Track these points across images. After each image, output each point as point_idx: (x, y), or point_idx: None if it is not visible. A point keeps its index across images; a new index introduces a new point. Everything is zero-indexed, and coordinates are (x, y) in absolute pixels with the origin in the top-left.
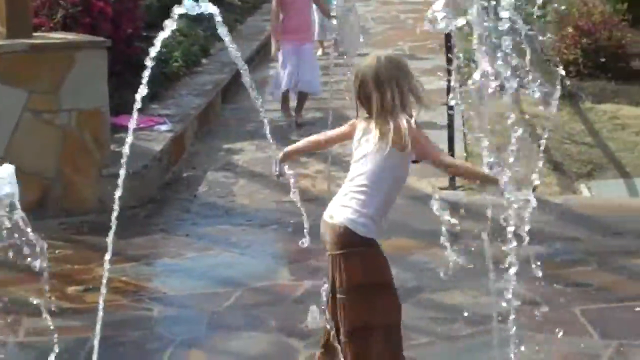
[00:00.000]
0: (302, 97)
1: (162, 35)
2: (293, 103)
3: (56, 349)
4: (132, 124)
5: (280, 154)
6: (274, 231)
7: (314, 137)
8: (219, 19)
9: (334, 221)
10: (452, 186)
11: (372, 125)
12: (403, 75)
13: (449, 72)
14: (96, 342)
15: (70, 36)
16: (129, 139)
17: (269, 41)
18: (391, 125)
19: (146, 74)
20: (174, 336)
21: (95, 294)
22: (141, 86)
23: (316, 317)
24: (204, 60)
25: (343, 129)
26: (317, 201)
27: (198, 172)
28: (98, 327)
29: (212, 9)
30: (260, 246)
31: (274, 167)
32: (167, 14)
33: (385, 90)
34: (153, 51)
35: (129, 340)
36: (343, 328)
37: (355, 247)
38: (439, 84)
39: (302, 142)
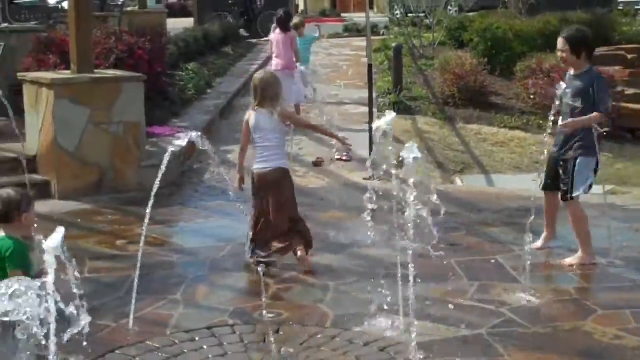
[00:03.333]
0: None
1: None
2: None
3: (108, 282)
4: (170, 133)
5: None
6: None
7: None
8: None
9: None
10: (372, 178)
11: (263, 110)
12: (277, 84)
13: (370, 102)
14: (136, 279)
15: (119, 72)
16: (169, 149)
17: (251, 78)
18: (277, 110)
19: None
20: (188, 275)
21: (135, 245)
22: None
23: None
24: (208, 91)
25: (244, 127)
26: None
27: (204, 165)
28: (137, 268)
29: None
30: (245, 215)
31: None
32: (185, 59)
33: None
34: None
35: (158, 278)
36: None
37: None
38: (364, 109)
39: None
